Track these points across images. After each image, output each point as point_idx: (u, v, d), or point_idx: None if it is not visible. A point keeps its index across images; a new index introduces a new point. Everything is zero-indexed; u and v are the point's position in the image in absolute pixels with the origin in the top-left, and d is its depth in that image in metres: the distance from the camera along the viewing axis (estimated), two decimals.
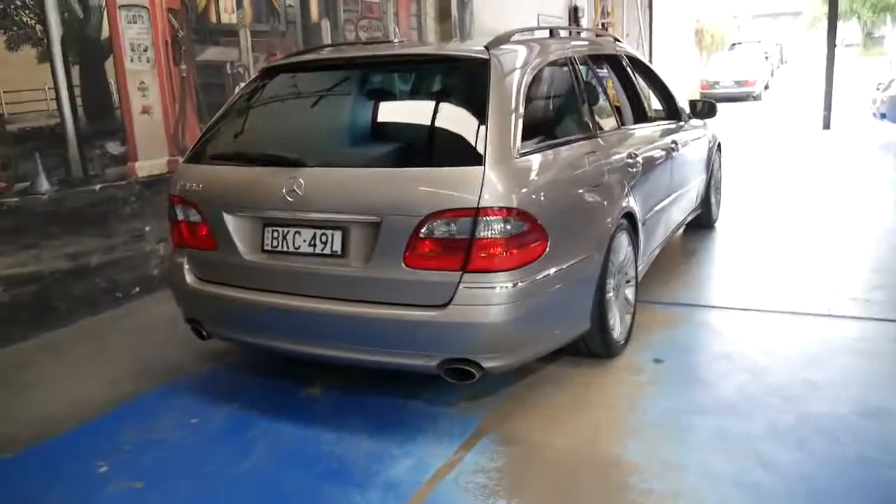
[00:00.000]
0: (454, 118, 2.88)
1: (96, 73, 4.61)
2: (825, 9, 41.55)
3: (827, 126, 13.06)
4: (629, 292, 3.69)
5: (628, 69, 4.37)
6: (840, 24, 42.20)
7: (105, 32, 4.63)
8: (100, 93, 4.63)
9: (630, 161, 3.70)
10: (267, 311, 3.01)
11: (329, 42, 6.56)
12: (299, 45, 6.29)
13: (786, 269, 4.90)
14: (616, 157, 3.55)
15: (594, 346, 3.38)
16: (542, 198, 2.81)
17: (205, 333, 3.31)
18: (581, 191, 3.15)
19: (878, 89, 11.34)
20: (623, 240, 3.52)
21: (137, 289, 4.88)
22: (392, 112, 3.13)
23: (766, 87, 22.59)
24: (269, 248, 3.00)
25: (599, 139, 3.50)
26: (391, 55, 3.35)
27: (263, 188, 2.96)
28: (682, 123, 4.96)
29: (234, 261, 3.07)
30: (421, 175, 2.71)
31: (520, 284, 2.70)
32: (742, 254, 5.37)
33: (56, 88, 4.36)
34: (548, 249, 2.80)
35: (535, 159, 2.88)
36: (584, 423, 2.95)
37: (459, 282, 2.67)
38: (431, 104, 3.00)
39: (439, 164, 2.72)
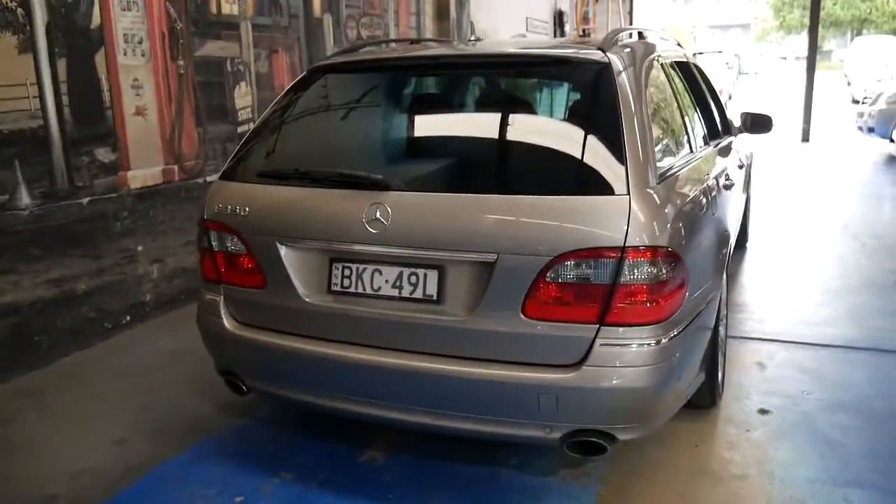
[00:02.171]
0: (577, 134, 2.35)
1: (85, 67, 3.94)
2: (775, 22, 42.66)
3: (806, 139, 12.99)
4: (722, 330, 3.24)
5: (698, 78, 3.93)
6: (791, 38, 43.11)
7: (96, 20, 3.97)
8: (89, 90, 3.97)
9: (726, 182, 3.26)
10: (332, 366, 2.45)
11: (332, 39, 5.97)
12: (302, 41, 5.70)
13: (840, 294, 4.56)
14: (718, 177, 3.10)
15: (699, 397, 2.89)
16: (682, 231, 2.32)
17: (244, 388, 2.72)
18: (707, 219, 2.69)
19: (864, 103, 11.29)
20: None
21: (128, 317, 4.21)
22: (496, 125, 2.56)
23: (730, 98, 22.71)
24: (337, 288, 2.43)
25: (705, 157, 3.04)
26: (488, 55, 2.79)
27: (336, 215, 2.40)
28: (733, 138, 4.56)
29: (290, 303, 2.49)
30: (549, 205, 2.18)
31: (663, 341, 2.20)
32: (785, 276, 5.02)
33: (39, 84, 3.69)
34: (686, 294, 2.32)
35: (671, 184, 2.39)
36: (718, 498, 2.48)
37: (595, 337, 2.16)
38: (546, 116, 2.48)
39: (568, 192, 2.20)
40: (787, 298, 4.56)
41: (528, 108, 2.68)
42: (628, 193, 2.13)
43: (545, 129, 2.38)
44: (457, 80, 2.85)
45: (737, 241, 5.28)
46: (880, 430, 2.90)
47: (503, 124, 2.54)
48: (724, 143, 3.86)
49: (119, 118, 4.13)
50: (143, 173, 4.30)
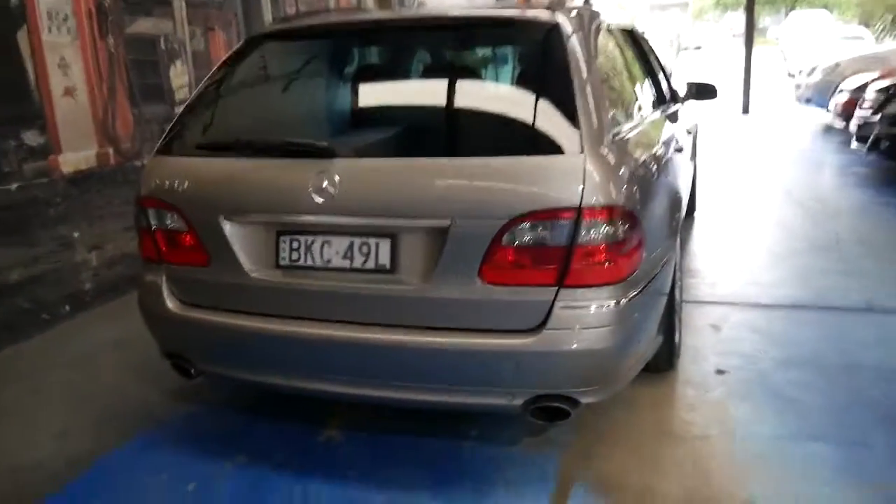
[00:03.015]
0: (527, 94, 2.29)
1: (7, 46, 3.72)
2: (711, 0, 43.29)
3: (746, 111, 13.23)
4: (677, 294, 3.24)
5: (644, 46, 3.91)
6: (727, 15, 43.75)
7: None
8: (12, 70, 3.75)
9: (676, 146, 3.25)
10: (283, 344, 2.35)
11: (271, 15, 5.79)
12: (239, 18, 5.51)
13: (787, 257, 4.64)
14: (669, 141, 3.09)
15: (658, 360, 2.86)
16: (637, 191, 2.29)
17: (192, 371, 2.60)
18: (660, 181, 2.67)
19: (800, 74, 11.54)
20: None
21: (68, 307, 4.02)
22: (445, 88, 2.48)
23: (672, 74, 23.03)
24: (285, 262, 2.33)
25: (655, 121, 3.02)
26: (433, 17, 2.69)
27: (281, 186, 2.29)
28: (680, 106, 4.57)
29: (236, 280, 2.38)
30: (503, 167, 2.12)
31: (623, 301, 2.17)
32: (733, 242, 5.08)
33: None
34: (644, 254, 2.29)
35: (625, 143, 2.36)
36: (682, 458, 2.47)
37: (555, 300, 2.11)
38: (496, 77, 2.41)
39: (521, 153, 2.14)
40: (736, 263, 4.61)
41: (478, 70, 2.61)
42: (583, 153, 2.08)
43: (495, 90, 2.33)
44: (402, 43, 2.76)
45: (686, 209, 5.35)
46: (834, 385, 2.94)
47: (452, 86, 2.46)
48: (672, 109, 3.86)
49: (47, 99, 3.92)
50: (75, 157, 4.10)
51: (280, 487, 2.39)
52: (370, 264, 2.24)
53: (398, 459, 2.53)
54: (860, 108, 7.20)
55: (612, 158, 2.17)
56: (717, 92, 4.74)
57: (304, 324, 2.31)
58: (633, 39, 3.74)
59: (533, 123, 2.19)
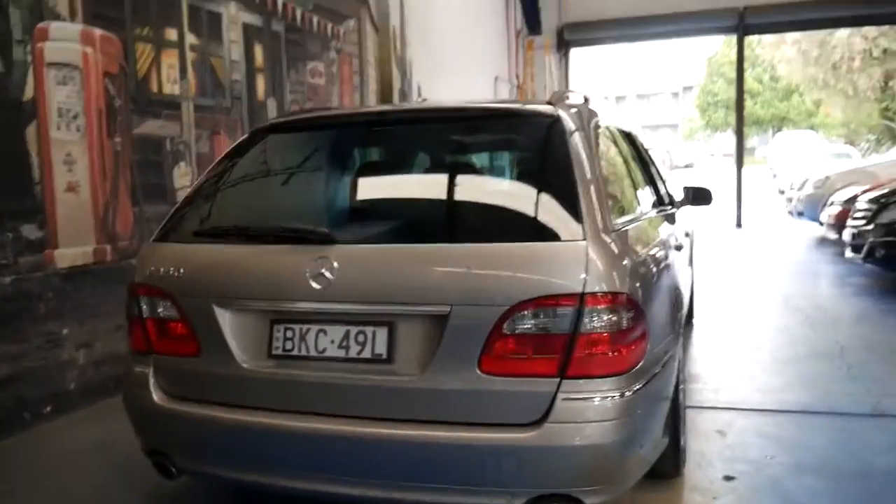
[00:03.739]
0: (529, 183, 2.31)
1: (14, 139, 3.77)
2: (701, 122, 45.00)
3: (739, 225, 13.43)
4: (681, 395, 3.14)
5: (640, 148, 3.99)
6: (717, 136, 45.26)
7: (29, 93, 3.83)
8: (17, 163, 3.78)
9: (676, 243, 3.25)
10: (273, 439, 2.24)
11: None
12: (244, 123, 5.64)
13: (790, 363, 4.56)
14: (669, 237, 3.09)
15: (663, 464, 2.74)
16: (639, 281, 2.25)
17: (174, 470, 2.46)
18: (662, 273, 2.64)
19: (792, 189, 11.81)
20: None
21: (50, 407, 3.88)
22: (447, 176, 2.51)
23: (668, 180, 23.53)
24: (279, 352, 2.26)
25: (655, 217, 3.03)
26: (435, 110, 2.76)
27: (277, 272, 2.26)
28: (677, 210, 4.62)
29: (227, 370, 2.30)
30: (504, 253, 2.10)
31: (627, 394, 2.09)
32: (734, 348, 5.01)
33: None
34: (648, 345, 2.22)
35: (627, 233, 2.35)
36: None
37: (557, 391, 2.03)
38: (496, 167, 2.43)
39: (522, 239, 2.12)
40: (739, 368, 4.52)
41: (479, 160, 2.64)
42: (585, 239, 2.06)
43: (497, 178, 2.35)
44: (403, 134, 2.80)
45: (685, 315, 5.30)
46: (848, 491, 2.81)
47: (453, 176, 2.48)
48: (670, 210, 3.89)
49: (49, 194, 3.94)
50: (72, 252, 4.07)
51: None
52: (366, 353, 2.17)
53: None
54: (853, 217, 7.30)
55: (615, 247, 2.15)
56: (713, 197, 4.81)
57: (295, 417, 2.22)
58: (631, 141, 3.82)
59: (535, 211, 2.18)
